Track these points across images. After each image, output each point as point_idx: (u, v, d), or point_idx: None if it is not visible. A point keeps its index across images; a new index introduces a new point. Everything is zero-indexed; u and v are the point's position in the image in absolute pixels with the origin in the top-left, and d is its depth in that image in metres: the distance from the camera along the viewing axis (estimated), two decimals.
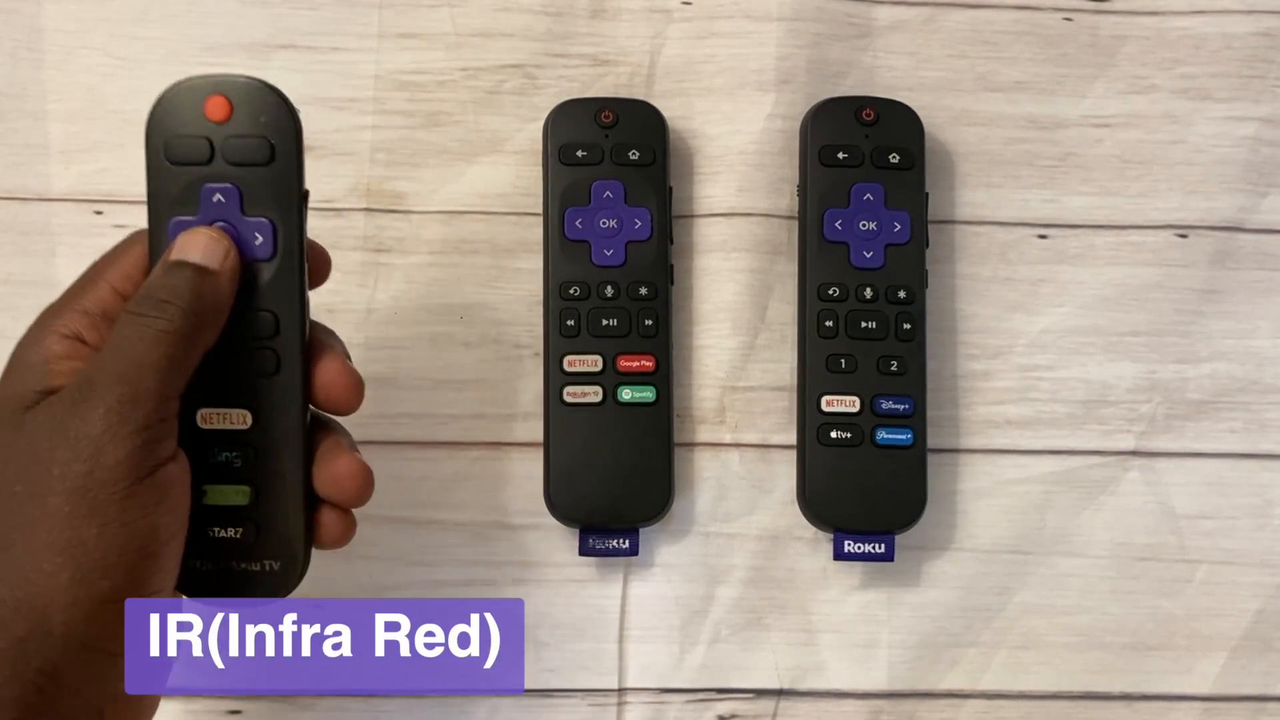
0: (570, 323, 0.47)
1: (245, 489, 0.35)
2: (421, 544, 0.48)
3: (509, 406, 0.48)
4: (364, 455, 0.37)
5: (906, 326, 0.47)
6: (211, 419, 0.35)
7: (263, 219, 0.35)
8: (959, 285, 0.50)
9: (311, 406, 0.36)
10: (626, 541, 0.46)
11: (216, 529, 0.35)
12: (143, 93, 0.48)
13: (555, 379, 0.47)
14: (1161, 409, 0.50)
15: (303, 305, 0.35)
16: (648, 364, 0.47)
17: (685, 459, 0.49)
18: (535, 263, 0.49)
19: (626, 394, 0.47)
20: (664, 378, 0.47)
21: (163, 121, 0.35)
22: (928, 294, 0.48)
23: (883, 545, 0.46)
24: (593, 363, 0.47)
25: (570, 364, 0.47)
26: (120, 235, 0.48)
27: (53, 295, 0.48)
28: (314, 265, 0.37)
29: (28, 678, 0.29)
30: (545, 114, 0.48)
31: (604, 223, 0.47)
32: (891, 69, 0.51)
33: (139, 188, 0.48)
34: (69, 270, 0.48)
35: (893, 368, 0.47)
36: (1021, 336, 0.50)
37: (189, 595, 0.35)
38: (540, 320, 0.48)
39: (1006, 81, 0.51)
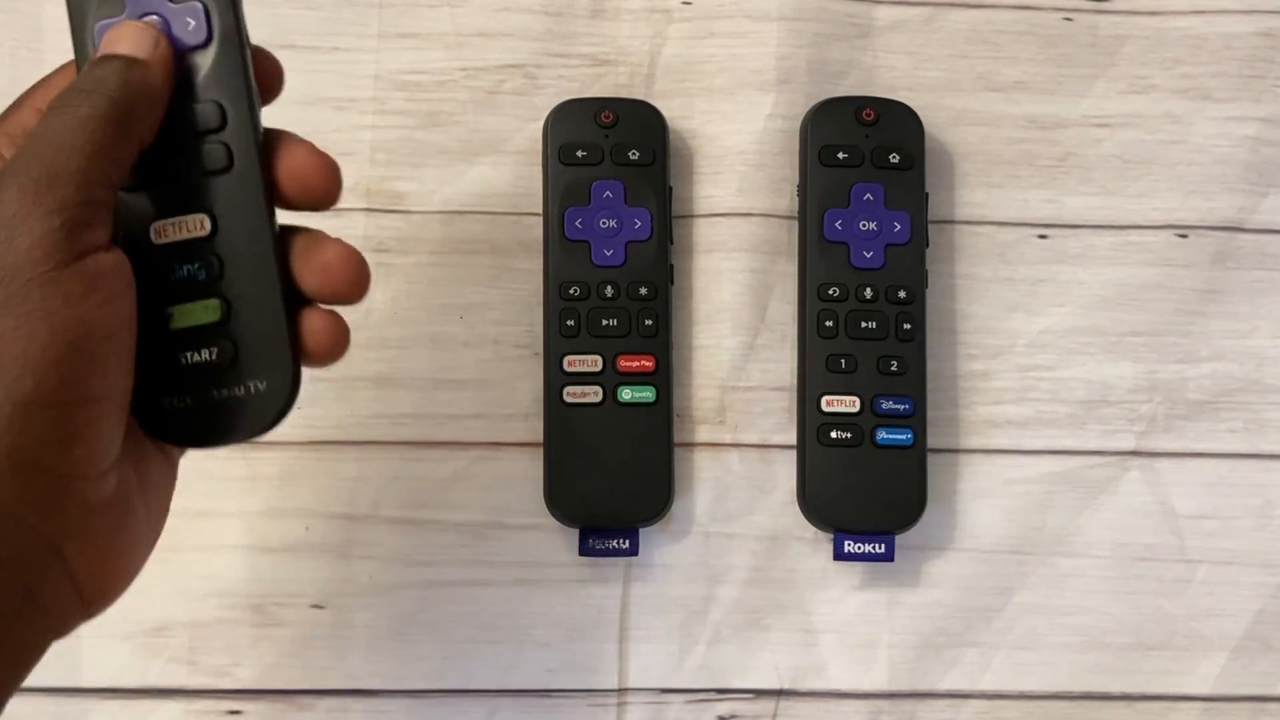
0: (570, 323, 0.47)
1: (214, 303, 0.31)
2: (421, 544, 0.48)
3: (509, 406, 0.48)
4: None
5: (906, 326, 0.47)
6: (166, 231, 0.31)
7: (193, 2, 0.32)
8: (959, 285, 0.50)
9: (285, 211, 0.33)
10: (626, 541, 0.46)
11: (189, 354, 0.31)
12: None
13: (555, 379, 0.47)
14: (1162, 409, 0.50)
15: (249, 92, 0.32)
16: (648, 364, 0.47)
17: (685, 459, 0.49)
18: (535, 263, 0.49)
19: (626, 394, 0.47)
20: (664, 378, 0.47)
21: None
22: (928, 294, 0.48)
23: (883, 545, 0.46)
24: (593, 363, 0.47)
25: (570, 364, 0.47)
26: None
27: None
28: (263, 68, 0.33)
29: None
30: (545, 114, 0.48)
31: (604, 223, 0.47)
32: (891, 69, 0.51)
33: None
34: None
35: (893, 368, 0.47)
36: (1021, 336, 0.50)
37: (166, 440, 0.32)
38: (540, 320, 0.48)
39: (1006, 81, 0.51)
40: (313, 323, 0.32)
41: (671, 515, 0.48)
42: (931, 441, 0.48)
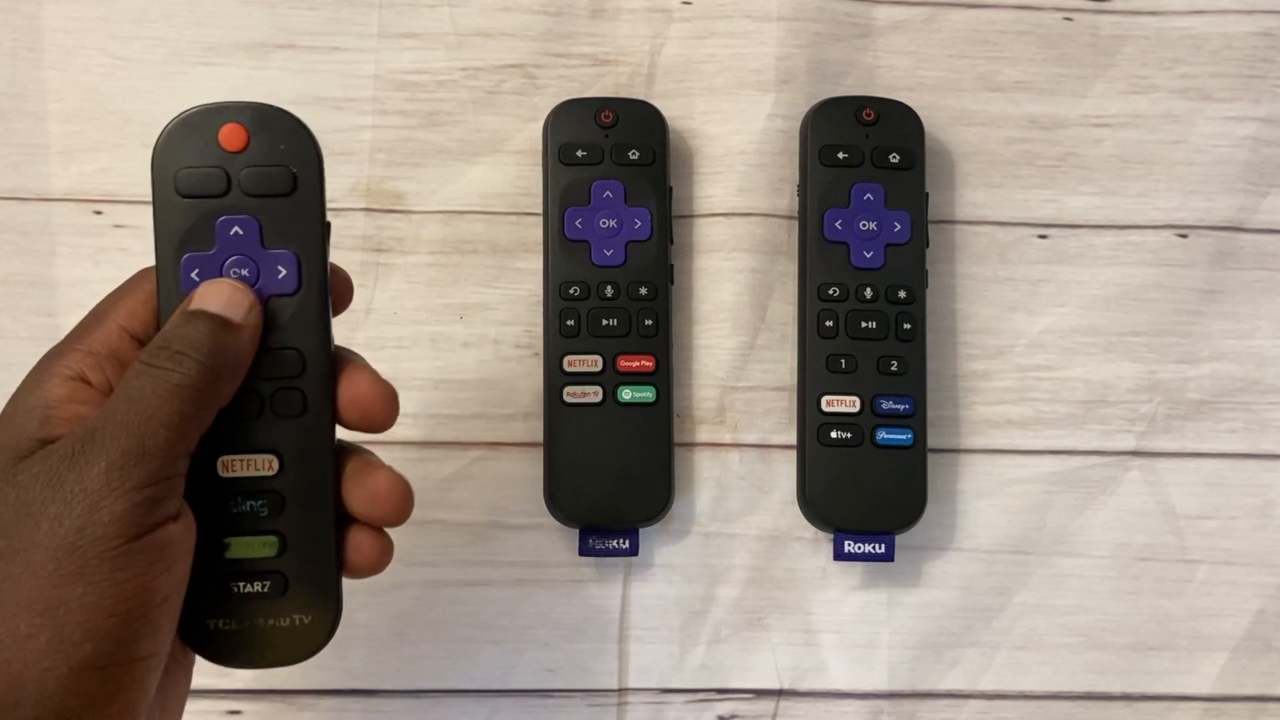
0: (570, 323, 0.47)
1: (272, 539, 0.32)
2: (421, 544, 0.47)
3: (509, 406, 0.48)
4: None
5: (907, 326, 0.47)
6: (234, 466, 0.32)
7: (285, 251, 0.32)
8: (959, 285, 0.50)
9: (341, 427, 0.34)
10: (626, 541, 0.46)
11: (241, 584, 0.32)
12: (143, 93, 0.49)
13: (555, 379, 0.47)
14: (1162, 409, 0.50)
15: (328, 339, 0.33)
16: (648, 364, 0.47)
17: (685, 459, 0.49)
18: (535, 263, 0.49)
19: (626, 394, 0.47)
20: (664, 378, 0.47)
21: (172, 152, 0.32)
22: (928, 294, 0.48)
23: (883, 545, 0.46)
24: (593, 363, 0.47)
25: (570, 364, 0.47)
26: (121, 235, 0.49)
27: (53, 295, 0.49)
28: (337, 294, 0.34)
29: None
30: (545, 114, 0.48)
31: (604, 223, 0.47)
32: (891, 69, 0.51)
33: (139, 187, 0.49)
34: (69, 270, 0.48)
35: (893, 368, 0.47)
36: (1022, 336, 0.50)
37: (209, 659, 0.33)
38: (540, 320, 0.48)
39: (1006, 81, 0.51)
40: (359, 540, 0.34)
41: (671, 515, 0.48)
42: (931, 441, 0.48)
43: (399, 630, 0.47)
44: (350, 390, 0.33)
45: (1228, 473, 0.49)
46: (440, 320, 0.49)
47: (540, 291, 0.48)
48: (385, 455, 0.48)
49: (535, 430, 0.48)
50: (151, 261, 0.33)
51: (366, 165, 0.49)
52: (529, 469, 0.48)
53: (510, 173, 0.50)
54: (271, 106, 0.33)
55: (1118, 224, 0.50)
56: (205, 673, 0.46)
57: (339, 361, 0.33)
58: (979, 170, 0.51)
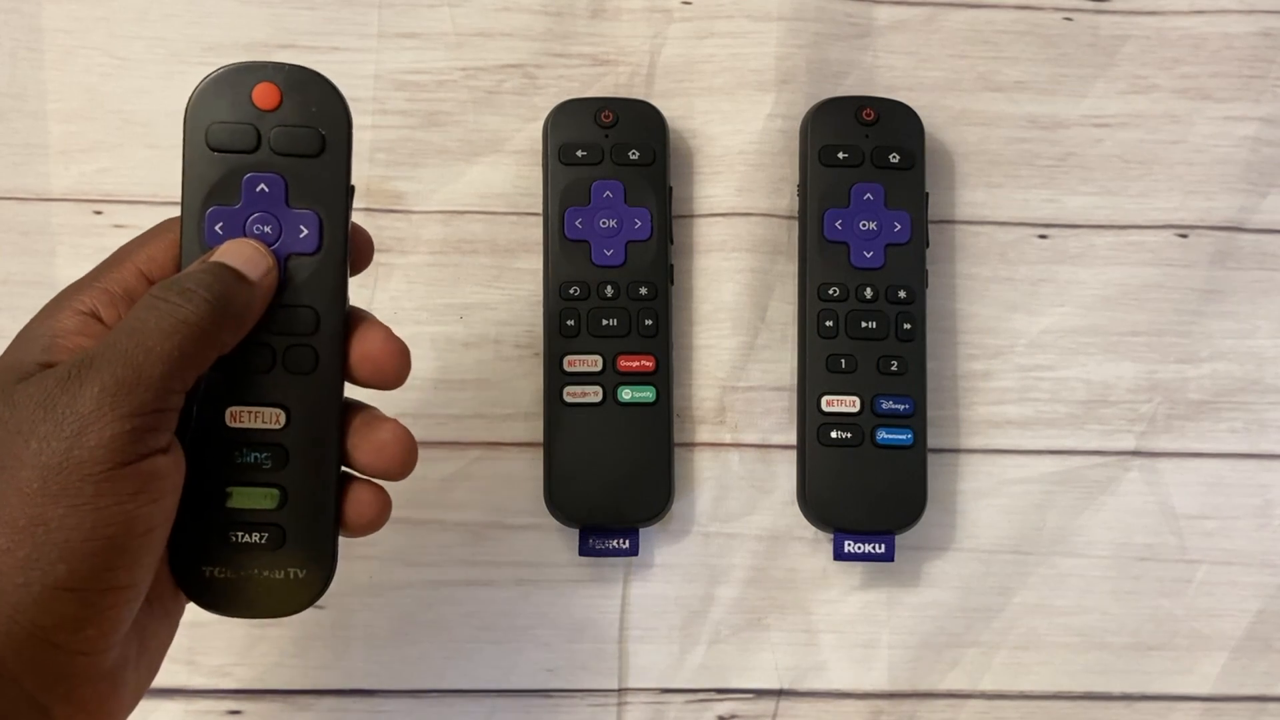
0: (570, 323, 0.47)
1: (274, 491, 0.33)
2: (421, 544, 0.48)
3: (509, 406, 0.48)
4: None
5: (907, 326, 0.47)
6: (241, 417, 0.33)
7: (309, 211, 0.33)
8: (959, 285, 0.50)
9: (351, 384, 0.34)
10: (626, 541, 0.46)
11: (239, 533, 0.33)
12: (143, 93, 0.49)
13: (555, 379, 0.47)
14: (1162, 409, 0.50)
15: (344, 301, 0.34)
16: (648, 364, 0.47)
17: (685, 459, 0.49)
18: (535, 263, 0.49)
19: (626, 394, 0.47)
20: (664, 378, 0.47)
21: (205, 106, 0.33)
22: (928, 294, 0.48)
23: (883, 545, 0.46)
24: (593, 363, 0.47)
25: (570, 364, 0.47)
26: (121, 235, 0.48)
27: (53, 295, 0.49)
28: (357, 253, 0.35)
29: None
30: (545, 114, 0.48)
31: (604, 223, 0.47)
32: (891, 69, 0.51)
33: (139, 188, 0.49)
34: (69, 270, 0.48)
35: (893, 368, 0.47)
36: (1022, 336, 0.50)
37: (202, 606, 0.33)
38: (540, 320, 0.48)
39: (1006, 81, 0.51)
40: (359, 496, 0.34)
41: (671, 515, 0.48)
42: (931, 441, 0.48)
43: (399, 630, 0.47)
44: (363, 347, 0.34)
45: (1228, 473, 0.49)
46: (440, 320, 0.49)
47: (540, 291, 0.48)
48: None
49: (535, 430, 0.48)
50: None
51: (366, 165, 0.49)
52: (529, 469, 0.48)
53: (510, 173, 0.50)
54: (306, 69, 0.33)
55: (1118, 224, 0.50)
56: (205, 673, 0.46)
57: (353, 320, 0.34)
58: (979, 170, 0.51)
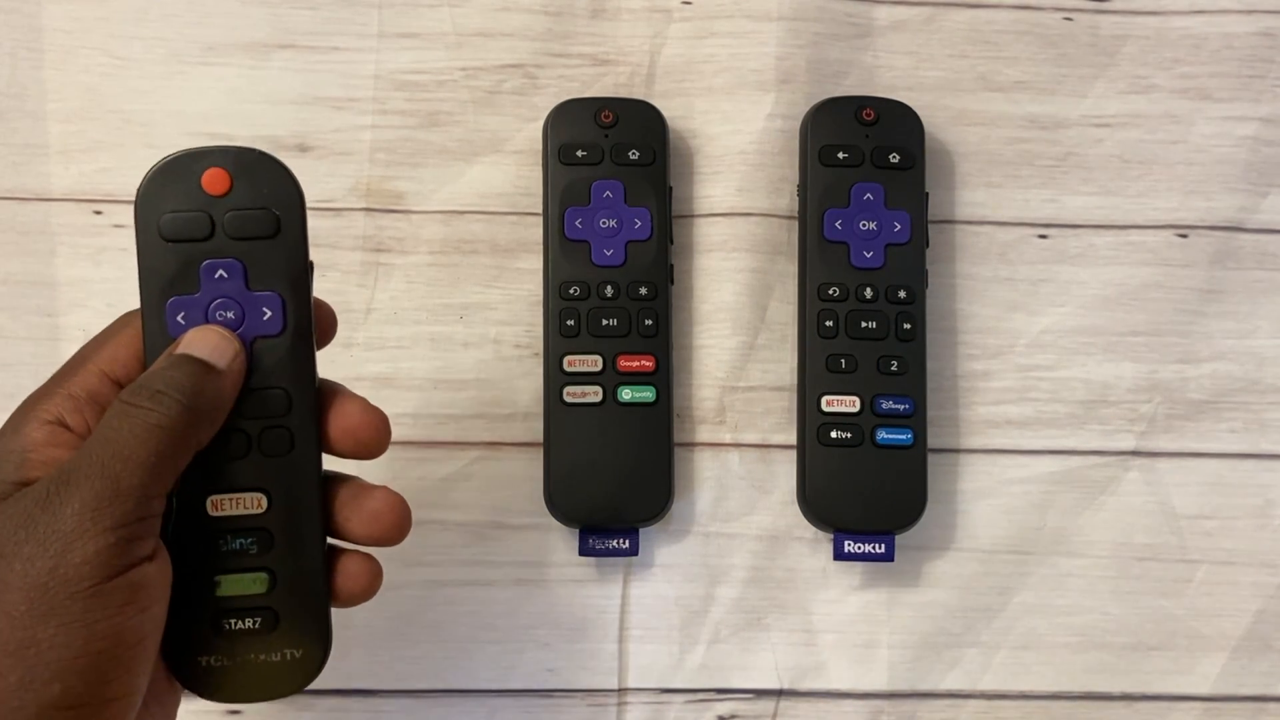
0: (570, 323, 0.47)
1: (263, 575, 0.33)
2: (421, 544, 0.47)
3: (509, 406, 0.48)
4: None
5: (907, 326, 0.47)
6: (223, 505, 0.33)
7: (270, 293, 0.33)
8: (959, 285, 0.50)
9: (335, 457, 0.34)
10: (626, 541, 0.46)
11: (231, 621, 0.33)
12: (143, 93, 0.49)
13: (555, 379, 0.47)
14: (1162, 409, 0.50)
15: (313, 377, 0.33)
16: (648, 364, 0.47)
17: (685, 459, 0.49)
18: (535, 263, 0.49)
19: (626, 394, 0.47)
20: (664, 378, 0.47)
21: (155, 197, 0.32)
22: (928, 294, 0.48)
23: (883, 545, 0.46)
24: (593, 363, 0.47)
25: (570, 364, 0.47)
26: (120, 235, 0.49)
27: (53, 295, 0.49)
28: (321, 329, 0.34)
29: None
30: (545, 114, 0.48)
31: (604, 223, 0.47)
32: (891, 69, 0.51)
33: None
34: (69, 270, 0.48)
35: (893, 368, 0.47)
36: (1021, 336, 0.50)
37: (200, 695, 0.33)
38: (540, 320, 0.48)
39: (1006, 81, 0.51)
40: (348, 568, 0.34)
41: (671, 515, 0.48)
42: (931, 441, 0.48)
43: (399, 630, 0.47)
44: (341, 421, 0.34)
45: (1228, 473, 0.49)
46: (440, 320, 0.49)
47: (540, 291, 0.48)
48: (386, 454, 0.49)
49: (535, 430, 0.48)
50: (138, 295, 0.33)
51: (366, 165, 0.49)
52: (529, 469, 0.48)
53: (510, 173, 0.50)
54: (253, 150, 0.33)
55: (1118, 224, 0.50)
56: None
57: (327, 394, 0.34)
58: (979, 170, 0.51)
